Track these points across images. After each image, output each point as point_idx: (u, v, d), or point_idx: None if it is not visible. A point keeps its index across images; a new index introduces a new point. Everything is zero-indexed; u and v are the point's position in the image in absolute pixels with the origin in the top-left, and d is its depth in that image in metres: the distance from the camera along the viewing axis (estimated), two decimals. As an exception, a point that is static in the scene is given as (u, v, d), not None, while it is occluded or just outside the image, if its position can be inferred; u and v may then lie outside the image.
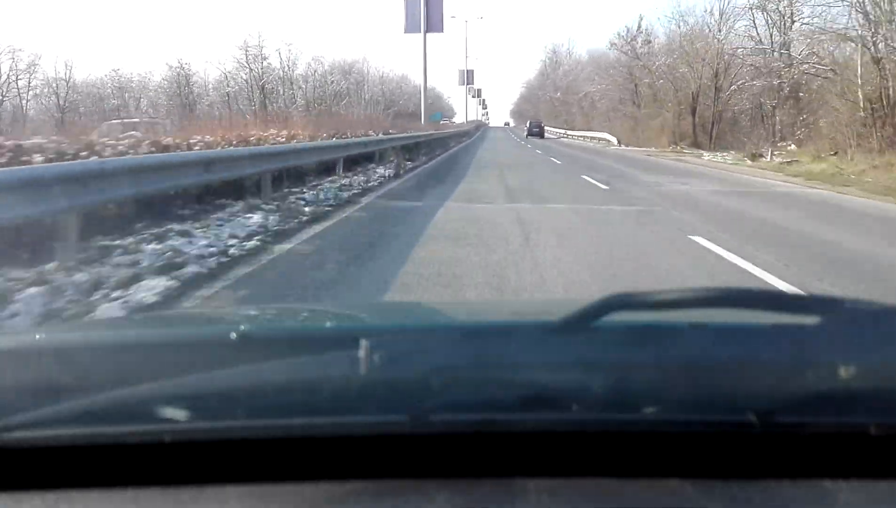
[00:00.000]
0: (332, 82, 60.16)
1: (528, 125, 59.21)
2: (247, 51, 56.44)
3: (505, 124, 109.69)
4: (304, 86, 59.48)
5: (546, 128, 60.77)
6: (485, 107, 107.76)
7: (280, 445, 0.69)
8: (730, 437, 0.69)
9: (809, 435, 0.70)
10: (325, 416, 0.69)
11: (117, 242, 5.44)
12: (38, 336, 0.95)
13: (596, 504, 0.65)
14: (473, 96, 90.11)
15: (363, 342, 0.71)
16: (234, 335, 0.78)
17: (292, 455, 0.69)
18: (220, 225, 6.79)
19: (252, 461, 0.69)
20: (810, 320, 0.76)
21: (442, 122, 56.70)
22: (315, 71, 59.63)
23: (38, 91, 53.24)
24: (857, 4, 21.32)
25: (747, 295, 0.82)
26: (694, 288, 0.75)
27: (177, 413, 0.67)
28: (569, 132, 59.25)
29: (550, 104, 77.12)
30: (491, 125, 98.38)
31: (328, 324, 1.08)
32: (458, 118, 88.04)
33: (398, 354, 0.74)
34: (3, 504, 0.66)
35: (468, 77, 75.58)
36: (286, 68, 58.56)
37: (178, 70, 56.20)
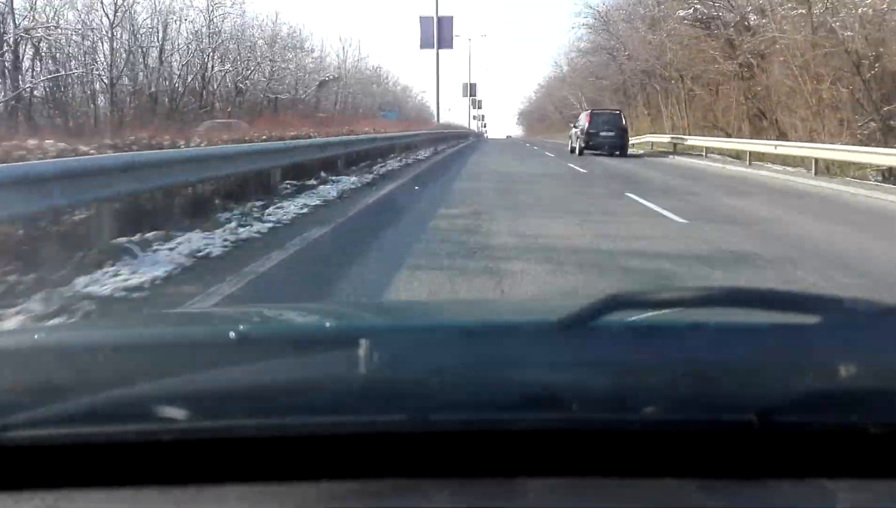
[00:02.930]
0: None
1: (584, 124, 24.00)
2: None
3: (507, 137, 79.33)
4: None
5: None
6: (472, 98, 72.46)
7: (280, 444, 0.69)
8: (730, 437, 0.69)
9: (809, 435, 0.70)
10: (325, 416, 0.69)
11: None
12: (37, 336, 0.95)
13: (596, 504, 0.65)
14: (468, 97, 69.24)
15: (363, 342, 0.71)
16: (234, 335, 0.78)
17: (292, 454, 0.69)
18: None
19: (252, 460, 0.69)
20: (810, 319, 0.76)
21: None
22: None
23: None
24: None
25: (747, 294, 0.82)
26: (694, 287, 0.75)
27: (177, 413, 0.67)
28: (714, 143, 22.31)
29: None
30: (489, 137, 73.74)
31: (328, 324, 1.08)
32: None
33: (398, 353, 0.74)
34: (3, 504, 0.66)
35: (470, 89, 62.66)
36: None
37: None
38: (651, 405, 0.69)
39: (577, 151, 24.07)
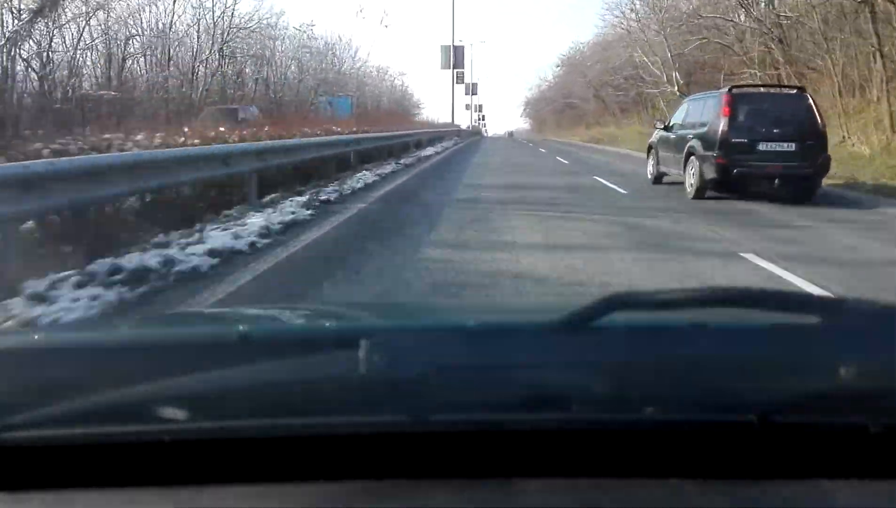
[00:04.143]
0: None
1: (714, 122, 8.82)
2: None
3: (508, 134, 73.83)
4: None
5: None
6: (456, 71, 45.25)
7: (280, 445, 0.69)
8: (730, 437, 0.69)
9: (809, 435, 0.70)
10: (326, 416, 0.69)
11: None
12: (37, 336, 0.95)
13: (596, 504, 0.65)
14: (461, 85, 47.69)
15: (363, 342, 0.71)
16: (234, 335, 0.79)
17: (292, 454, 0.69)
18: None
19: (252, 461, 0.69)
20: (810, 320, 0.76)
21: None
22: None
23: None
24: None
25: (747, 295, 0.82)
26: (694, 288, 0.76)
27: (177, 413, 0.67)
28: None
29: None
30: (489, 134, 67.99)
31: (328, 324, 1.08)
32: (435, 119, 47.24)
33: (398, 354, 0.74)
34: (3, 504, 0.66)
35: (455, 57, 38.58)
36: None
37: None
38: (651, 405, 0.69)
39: (691, 188, 9.88)
